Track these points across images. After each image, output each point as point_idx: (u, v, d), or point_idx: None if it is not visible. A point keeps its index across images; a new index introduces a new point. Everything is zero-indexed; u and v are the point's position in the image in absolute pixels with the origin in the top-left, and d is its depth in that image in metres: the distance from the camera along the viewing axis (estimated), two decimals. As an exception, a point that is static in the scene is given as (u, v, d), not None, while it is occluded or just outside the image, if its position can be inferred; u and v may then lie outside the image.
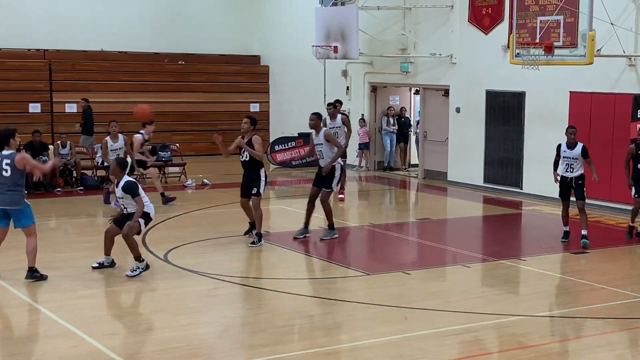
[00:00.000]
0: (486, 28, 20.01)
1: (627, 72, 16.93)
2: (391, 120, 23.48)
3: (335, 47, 21.52)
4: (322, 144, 14.21)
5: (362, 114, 23.93)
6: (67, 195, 19.34)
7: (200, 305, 10.62)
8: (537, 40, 15.31)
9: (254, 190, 13.85)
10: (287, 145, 24.67)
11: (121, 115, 25.45)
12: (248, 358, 8.72)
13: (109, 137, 17.42)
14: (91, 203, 18.41)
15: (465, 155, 20.69)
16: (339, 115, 17.36)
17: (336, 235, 14.43)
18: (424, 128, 22.38)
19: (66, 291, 11.08)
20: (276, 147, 24.66)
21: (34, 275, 11.43)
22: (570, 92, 17.94)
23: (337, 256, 13.76)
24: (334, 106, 17.50)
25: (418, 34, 21.87)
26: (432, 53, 21.15)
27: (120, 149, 17.33)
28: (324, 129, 14.56)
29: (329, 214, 14.40)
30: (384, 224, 16.17)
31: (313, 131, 14.42)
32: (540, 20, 15.95)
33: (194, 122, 26.89)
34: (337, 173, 14.31)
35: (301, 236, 14.51)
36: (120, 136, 17.46)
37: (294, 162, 24.49)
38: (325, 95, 25.20)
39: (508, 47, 17.21)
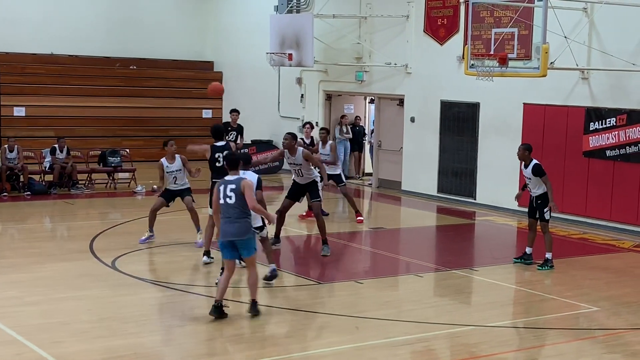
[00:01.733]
0: (441, 39, 20.04)
1: (580, 85, 17.06)
2: (344, 128, 23.41)
3: (290, 55, 21.41)
4: (300, 164, 13.74)
5: (317, 122, 23.82)
6: (14, 200, 18.91)
7: (147, 313, 10.46)
8: (492, 52, 15.35)
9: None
10: (240, 153, 24.42)
11: (71, 119, 25.19)
12: (196, 368, 8.55)
13: (164, 158, 14.45)
14: (39, 208, 18.03)
15: (420, 164, 20.69)
16: (329, 142, 17.06)
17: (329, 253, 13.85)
18: (379, 137, 22.35)
19: (11, 298, 10.82)
20: (228, 155, 24.40)
21: (257, 308, 10.27)
22: (524, 103, 18.03)
23: (289, 265, 13.63)
24: (327, 132, 17.22)
25: (373, 43, 21.85)
26: (387, 62, 21.14)
27: (177, 170, 14.39)
28: (300, 149, 13.88)
29: (322, 228, 13.78)
30: (337, 233, 16.05)
31: (286, 151, 13.81)
32: (495, 32, 16.04)
33: (145, 127, 26.53)
34: (320, 184, 13.99)
35: (273, 247, 14.01)
36: (177, 156, 14.46)
37: (246, 170, 24.25)
38: (279, 103, 25.08)
39: (463, 58, 17.24)
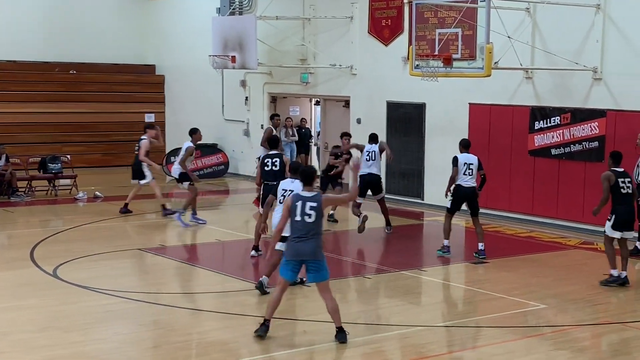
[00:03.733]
0: (386, 39, 20.02)
1: (524, 84, 17.17)
2: (290, 131, 23.25)
3: (233, 57, 21.21)
4: None
5: (262, 125, 23.67)
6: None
7: (91, 322, 10.22)
8: (436, 53, 15.32)
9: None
10: (184, 157, 24.13)
11: (9, 126, 24.63)
12: (140, 376, 8.34)
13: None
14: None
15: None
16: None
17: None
18: (325, 139, 22.25)
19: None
20: (172, 159, 24.08)
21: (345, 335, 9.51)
22: (470, 103, 18.08)
23: (234, 270, 13.43)
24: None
25: (318, 44, 21.76)
26: (332, 64, 21.06)
27: None
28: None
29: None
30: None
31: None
32: (439, 33, 16.01)
33: (86, 132, 26.07)
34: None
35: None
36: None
37: (191, 174, 23.97)
38: (223, 106, 24.84)
39: (408, 58, 17.23)
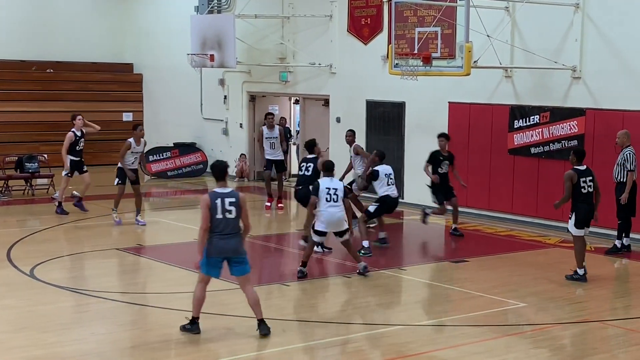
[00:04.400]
0: (365, 38, 19.98)
1: (503, 83, 17.18)
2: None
3: (212, 56, 21.09)
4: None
5: (241, 123, 23.59)
6: None
7: (68, 322, 10.14)
8: (416, 51, 15.30)
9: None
10: (162, 156, 24.04)
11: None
12: (118, 377, 8.25)
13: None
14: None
15: (346, 164, 20.49)
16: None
17: None
18: (304, 138, 22.14)
19: None
20: (150, 158, 23.98)
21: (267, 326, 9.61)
22: (449, 102, 18.08)
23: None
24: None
25: (297, 43, 21.69)
26: (311, 62, 20.99)
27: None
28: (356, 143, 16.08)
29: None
30: (263, 235, 15.82)
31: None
32: (419, 32, 16.00)
33: (64, 132, 25.66)
34: None
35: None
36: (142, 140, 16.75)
37: (169, 173, 23.86)
38: (201, 105, 24.71)
39: (387, 57, 17.19)
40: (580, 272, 12.36)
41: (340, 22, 20.58)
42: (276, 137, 18.43)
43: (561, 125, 16.16)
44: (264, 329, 9.46)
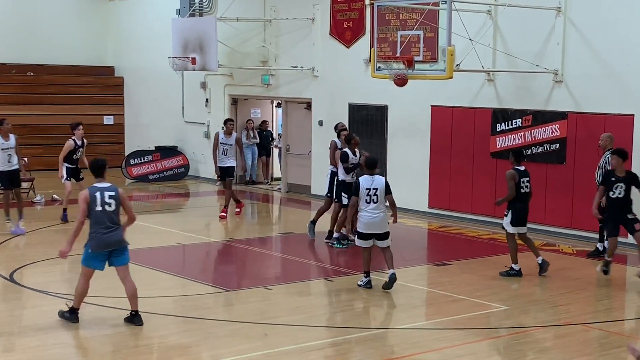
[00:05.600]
0: (348, 41, 19.97)
1: (486, 86, 17.20)
2: (251, 133, 23.11)
3: (194, 59, 21.00)
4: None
5: (223, 127, 23.47)
6: None
7: (48, 327, 10.01)
8: (398, 55, 15.28)
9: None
10: (144, 159, 23.92)
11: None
12: (98, 381, 8.18)
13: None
14: None
15: (327, 167, 20.48)
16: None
17: None
18: (287, 141, 22.14)
19: None
20: (132, 161, 23.86)
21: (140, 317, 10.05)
22: (432, 105, 18.07)
23: (195, 273, 13.29)
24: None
25: (279, 46, 21.64)
26: (293, 66, 20.95)
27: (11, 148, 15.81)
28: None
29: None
30: (246, 239, 15.77)
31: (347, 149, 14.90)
32: (401, 35, 15.96)
33: (44, 135, 25.65)
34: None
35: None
36: (12, 136, 15.90)
37: (150, 177, 23.75)
38: (183, 108, 24.62)
39: (369, 60, 17.17)
40: (516, 267, 12.79)
41: (322, 25, 20.55)
42: (231, 145, 17.62)
43: (543, 128, 16.20)
44: (138, 321, 9.86)
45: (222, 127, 18.11)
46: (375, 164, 12.12)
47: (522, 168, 12.92)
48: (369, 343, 9.62)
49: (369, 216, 11.79)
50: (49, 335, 9.67)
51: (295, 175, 21.88)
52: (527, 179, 12.87)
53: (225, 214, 17.73)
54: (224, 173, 17.82)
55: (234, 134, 17.88)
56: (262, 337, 9.63)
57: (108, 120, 26.64)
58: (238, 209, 18.17)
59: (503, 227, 13.11)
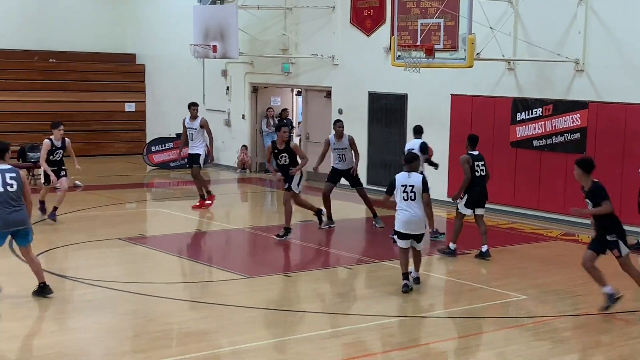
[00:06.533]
0: (368, 30, 19.94)
1: (506, 75, 17.14)
2: (271, 121, 23.16)
3: (215, 47, 21.05)
4: (346, 148, 15.64)
5: (243, 115, 23.57)
6: None
7: (70, 311, 10.16)
8: (418, 43, 15.26)
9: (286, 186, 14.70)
10: (165, 147, 24.01)
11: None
12: (119, 366, 8.27)
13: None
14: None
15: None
16: (346, 135, 15.99)
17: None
18: (306, 129, 22.17)
19: None
20: (153, 149, 23.97)
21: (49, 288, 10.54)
22: (452, 94, 18.04)
23: (215, 259, 13.39)
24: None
25: (299, 34, 21.65)
26: (313, 54, 20.96)
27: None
28: (347, 134, 15.74)
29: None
30: (265, 226, 15.83)
31: (332, 137, 15.68)
32: (421, 23, 15.92)
33: (66, 121, 25.50)
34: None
35: (326, 227, 15.46)
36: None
37: (171, 164, 23.84)
38: (204, 96, 24.69)
39: (390, 49, 17.15)
40: (452, 247, 13.28)
41: (342, 13, 20.53)
42: (196, 129, 17.02)
43: (564, 118, 16.14)
44: (48, 291, 10.32)
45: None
46: (413, 159, 11.44)
47: (476, 152, 13.31)
48: (386, 331, 9.66)
49: (406, 214, 11.17)
50: (70, 320, 9.80)
51: (315, 163, 21.82)
52: (482, 162, 13.26)
53: (201, 205, 17.04)
54: (190, 160, 17.35)
55: (199, 118, 17.15)
56: (280, 324, 9.67)
57: (129, 107, 26.75)
58: (209, 201, 17.29)
59: (457, 209, 13.38)
